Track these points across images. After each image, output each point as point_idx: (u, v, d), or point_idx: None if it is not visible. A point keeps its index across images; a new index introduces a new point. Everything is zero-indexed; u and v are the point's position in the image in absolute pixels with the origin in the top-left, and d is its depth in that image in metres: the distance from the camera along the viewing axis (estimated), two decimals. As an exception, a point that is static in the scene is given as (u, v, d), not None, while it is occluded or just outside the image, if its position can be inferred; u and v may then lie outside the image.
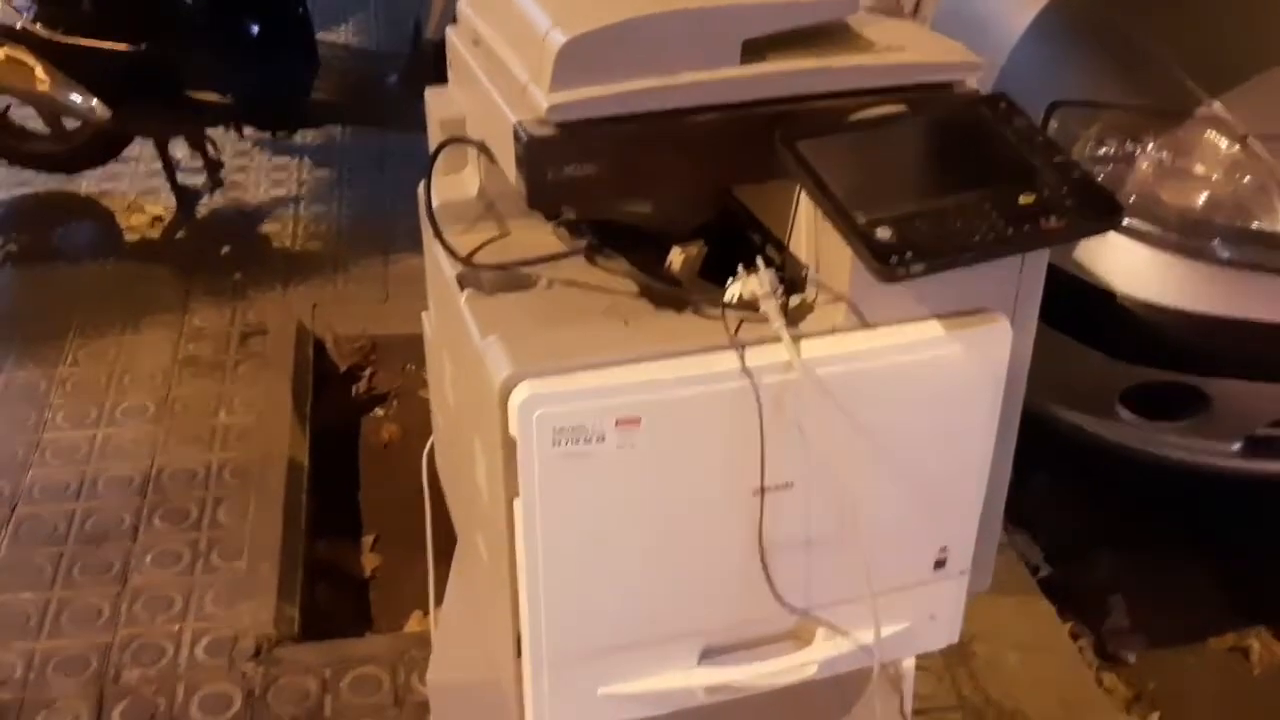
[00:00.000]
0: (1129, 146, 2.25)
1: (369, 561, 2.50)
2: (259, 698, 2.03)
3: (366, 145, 3.86)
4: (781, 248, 1.31)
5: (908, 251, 1.06)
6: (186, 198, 3.56)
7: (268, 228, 3.48)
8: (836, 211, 1.11)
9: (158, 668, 2.08)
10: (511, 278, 1.34)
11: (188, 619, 2.16)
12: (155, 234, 3.44)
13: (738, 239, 1.38)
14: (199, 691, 2.04)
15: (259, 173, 3.76)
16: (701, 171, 1.24)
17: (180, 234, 3.46)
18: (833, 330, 1.21)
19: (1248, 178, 2.19)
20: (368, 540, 2.54)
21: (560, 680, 1.28)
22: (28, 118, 3.54)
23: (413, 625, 2.29)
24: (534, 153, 1.14)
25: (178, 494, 2.45)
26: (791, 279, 1.27)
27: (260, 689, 2.05)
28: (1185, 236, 2.19)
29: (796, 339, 1.18)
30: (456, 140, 1.42)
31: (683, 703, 1.33)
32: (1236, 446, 2.31)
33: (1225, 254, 2.18)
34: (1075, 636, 2.30)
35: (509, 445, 1.16)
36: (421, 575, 1.75)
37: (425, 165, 1.44)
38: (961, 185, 1.14)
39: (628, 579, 1.24)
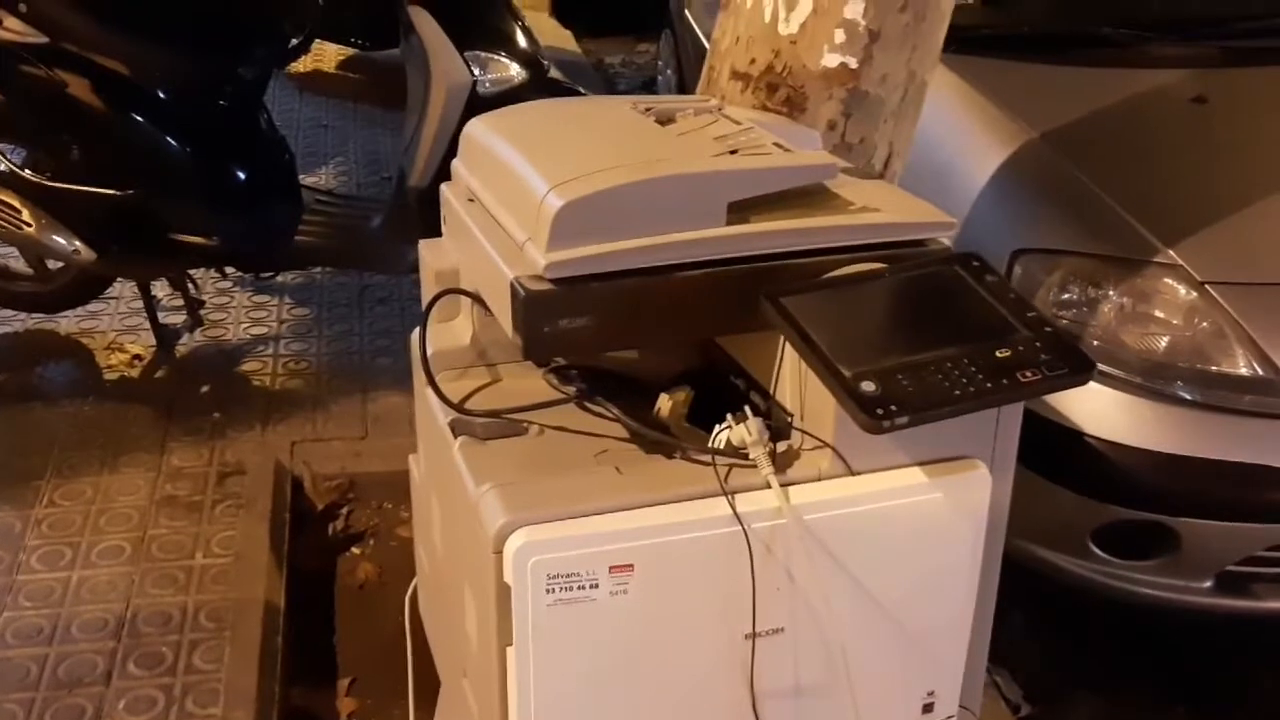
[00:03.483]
0: (1091, 292, 2.33)
1: (345, 706, 2.45)
2: None
3: (346, 285, 3.91)
4: (765, 394, 1.35)
5: (892, 405, 1.11)
6: (166, 337, 3.57)
7: (247, 366, 3.49)
8: (822, 365, 1.15)
9: (130, 819, 2.03)
10: (504, 425, 1.38)
11: (161, 768, 2.12)
12: (134, 373, 3.45)
13: (723, 384, 1.43)
14: (172, 843, 1.99)
15: (239, 311, 3.79)
16: (689, 323, 1.30)
17: (160, 373, 3.46)
18: (818, 477, 1.25)
19: (1206, 323, 2.26)
20: (343, 684, 2.50)
21: (551, 830, 1.27)
22: (9, 255, 3.58)
23: (390, 773, 2.25)
24: (531, 307, 1.19)
25: (152, 638, 2.41)
26: (776, 425, 1.31)
27: (234, 841, 2.00)
28: (1148, 379, 2.25)
29: (785, 486, 1.21)
30: (452, 291, 1.47)
31: None
32: (1208, 584, 2.33)
33: (1188, 396, 2.23)
34: (1057, 777, 2.29)
35: (502, 592, 1.18)
36: (400, 720, 1.73)
37: (418, 313, 1.48)
38: (940, 340, 1.19)
39: (620, 726, 1.25)
